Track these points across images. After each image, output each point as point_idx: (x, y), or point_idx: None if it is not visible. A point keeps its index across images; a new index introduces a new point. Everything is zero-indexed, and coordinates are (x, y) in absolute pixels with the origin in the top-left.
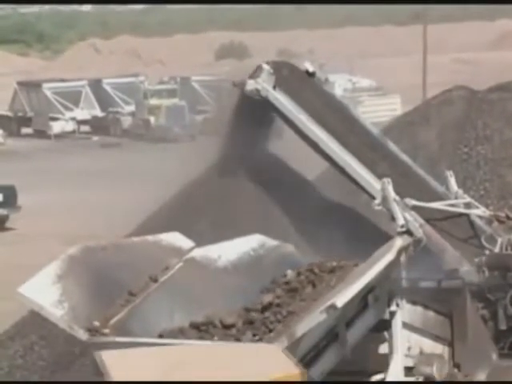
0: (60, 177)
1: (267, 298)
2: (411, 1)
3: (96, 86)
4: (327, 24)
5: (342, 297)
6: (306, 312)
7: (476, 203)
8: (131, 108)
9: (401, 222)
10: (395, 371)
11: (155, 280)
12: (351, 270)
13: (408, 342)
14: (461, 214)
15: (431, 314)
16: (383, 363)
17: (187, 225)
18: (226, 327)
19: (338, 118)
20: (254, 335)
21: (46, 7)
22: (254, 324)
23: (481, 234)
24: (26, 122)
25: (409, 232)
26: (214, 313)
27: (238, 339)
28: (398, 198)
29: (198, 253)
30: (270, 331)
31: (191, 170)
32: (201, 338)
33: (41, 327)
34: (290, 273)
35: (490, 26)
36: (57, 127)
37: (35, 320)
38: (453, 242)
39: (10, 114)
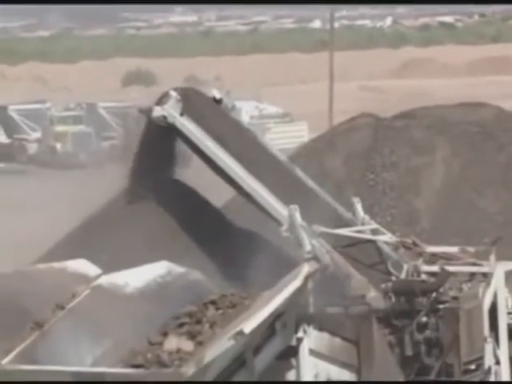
0: None
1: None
2: None
3: (2, 112)
4: (234, 51)
5: (250, 323)
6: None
7: (383, 229)
8: (37, 135)
9: (308, 248)
10: None
11: (62, 307)
12: (257, 297)
13: (315, 368)
14: (368, 241)
15: (338, 340)
16: None
17: (94, 252)
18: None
19: (245, 144)
20: (217, 309)
21: None
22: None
23: (387, 260)
24: None
25: (316, 258)
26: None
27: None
28: (305, 224)
29: (105, 280)
30: (234, 306)
31: (98, 197)
32: None
33: None
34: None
35: (395, 53)
36: None
37: None
38: (359, 268)
39: None
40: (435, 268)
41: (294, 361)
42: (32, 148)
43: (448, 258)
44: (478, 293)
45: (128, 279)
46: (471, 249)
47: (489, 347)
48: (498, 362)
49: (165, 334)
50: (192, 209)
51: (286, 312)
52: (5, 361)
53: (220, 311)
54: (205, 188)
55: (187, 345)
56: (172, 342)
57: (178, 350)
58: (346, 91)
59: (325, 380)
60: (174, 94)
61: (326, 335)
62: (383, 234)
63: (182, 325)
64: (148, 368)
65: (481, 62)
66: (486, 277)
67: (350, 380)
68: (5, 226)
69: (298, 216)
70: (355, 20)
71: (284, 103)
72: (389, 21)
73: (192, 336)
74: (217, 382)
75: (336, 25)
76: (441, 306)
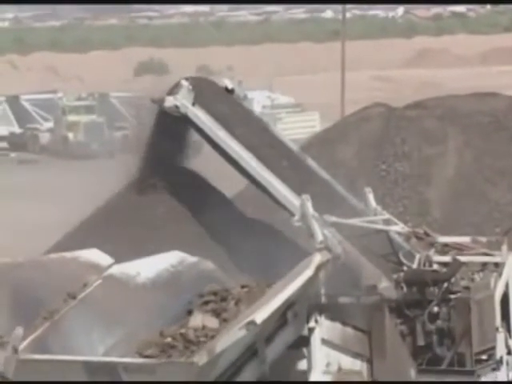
0: None
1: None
2: None
3: (14, 102)
4: (246, 41)
5: (262, 313)
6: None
7: (395, 220)
8: (49, 124)
9: (319, 238)
10: None
11: (73, 297)
12: (268, 288)
13: (327, 358)
14: (379, 231)
15: (350, 330)
16: (302, 380)
17: (106, 242)
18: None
19: (256, 134)
20: (243, 287)
21: None
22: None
23: (399, 250)
24: None
25: (328, 248)
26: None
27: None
28: (316, 214)
29: (117, 269)
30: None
31: (110, 186)
32: None
33: None
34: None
35: (407, 43)
36: None
37: None
38: (371, 259)
39: None
40: (447, 258)
41: (305, 350)
42: (44, 138)
43: (460, 248)
44: (490, 283)
45: (140, 269)
46: (483, 239)
47: (500, 337)
48: (509, 352)
49: (189, 312)
50: (203, 198)
51: (297, 302)
52: None
53: (245, 289)
54: (216, 177)
55: (212, 322)
56: (197, 319)
57: (204, 327)
58: (357, 81)
59: (336, 369)
60: (185, 83)
61: (337, 325)
62: (395, 224)
63: (206, 302)
64: (162, 356)
65: (493, 51)
66: (498, 267)
67: (361, 370)
68: (17, 215)
69: (309, 206)
70: (367, 10)
71: (296, 93)
72: (401, 11)
73: (217, 313)
74: (218, 382)
75: (348, 15)
76: (452, 296)
